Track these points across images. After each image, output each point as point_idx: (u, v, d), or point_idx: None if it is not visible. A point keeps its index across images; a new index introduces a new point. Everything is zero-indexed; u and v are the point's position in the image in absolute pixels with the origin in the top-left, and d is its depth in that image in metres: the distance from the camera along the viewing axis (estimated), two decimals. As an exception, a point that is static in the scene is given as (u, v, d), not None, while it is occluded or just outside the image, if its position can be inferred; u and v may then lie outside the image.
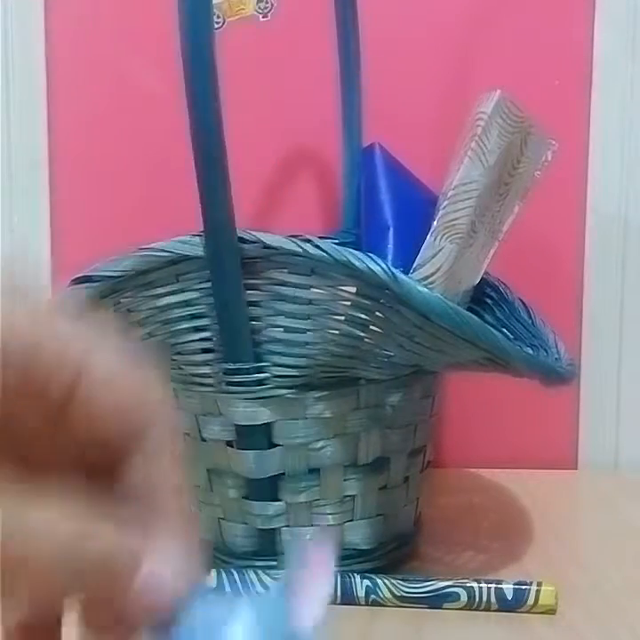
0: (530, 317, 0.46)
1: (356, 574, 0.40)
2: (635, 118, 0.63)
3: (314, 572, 0.21)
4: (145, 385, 0.21)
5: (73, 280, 0.40)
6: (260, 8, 0.62)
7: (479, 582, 0.39)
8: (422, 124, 0.61)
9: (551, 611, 0.39)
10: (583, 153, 0.63)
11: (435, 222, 0.39)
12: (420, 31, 0.63)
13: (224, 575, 0.41)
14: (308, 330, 0.38)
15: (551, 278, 0.63)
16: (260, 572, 0.40)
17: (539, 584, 0.39)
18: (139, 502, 0.21)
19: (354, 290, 0.37)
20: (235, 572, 0.41)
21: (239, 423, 0.40)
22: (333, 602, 0.38)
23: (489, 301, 0.48)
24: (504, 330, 0.45)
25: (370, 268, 0.36)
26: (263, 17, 0.62)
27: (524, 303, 0.47)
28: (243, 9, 0.62)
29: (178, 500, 0.21)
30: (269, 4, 0.62)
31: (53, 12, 0.64)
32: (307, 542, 0.28)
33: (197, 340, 0.40)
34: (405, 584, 0.40)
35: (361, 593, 0.40)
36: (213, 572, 0.41)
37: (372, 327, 0.38)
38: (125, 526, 0.20)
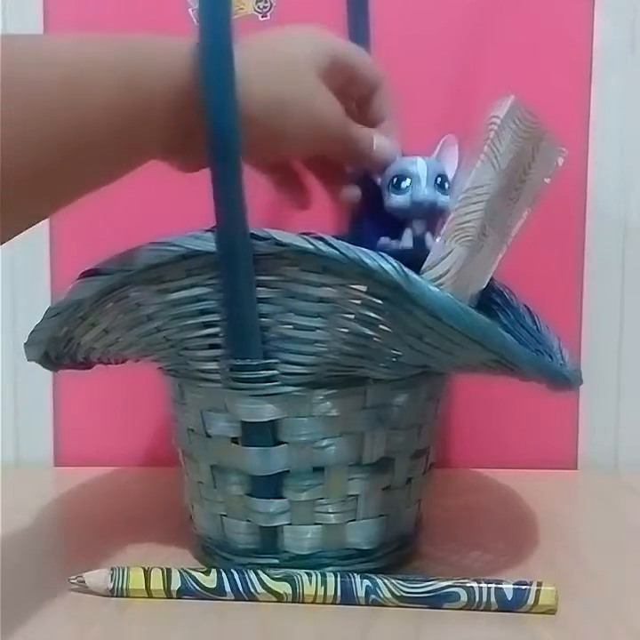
0: (535, 323, 0.46)
1: (355, 574, 0.40)
2: (635, 117, 0.63)
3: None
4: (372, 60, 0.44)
5: (82, 273, 0.40)
6: (259, 7, 0.63)
7: (479, 582, 0.39)
8: (424, 124, 0.62)
9: (551, 611, 0.39)
10: (583, 153, 0.63)
11: (445, 225, 0.39)
12: (421, 31, 0.63)
13: (224, 575, 0.40)
14: (318, 328, 0.38)
15: (551, 279, 0.63)
16: (260, 571, 0.40)
17: (539, 584, 0.39)
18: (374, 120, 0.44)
19: (365, 288, 0.37)
20: (235, 573, 0.40)
21: (245, 420, 0.41)
22: (333, 602, 0.39)
23: (494, 307, 0.48)
24: (509, 335, 0.46)
25: (382, 266, 0.36)
26: (262, 17, 0.63)
27: (528, 309, 0.47)
28: (242, 8, 0.62)
29: (394, 121, 0.44)
30: (269, 4, 0.62)
31: (53, 13, 0.64)
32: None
33: (206, 336, 0.40)
34: (405, 584, 0.40)
35: (361, 593, 0.40)
36: (213, 573, 0.40)
37: (381, 326, 0.38)
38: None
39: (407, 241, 0.42)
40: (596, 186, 0.64)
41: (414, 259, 0.40)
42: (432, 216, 0.42)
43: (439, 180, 0.41)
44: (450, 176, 0.42)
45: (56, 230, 0.65)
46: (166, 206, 0.62)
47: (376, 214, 0.43)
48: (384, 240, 0.43)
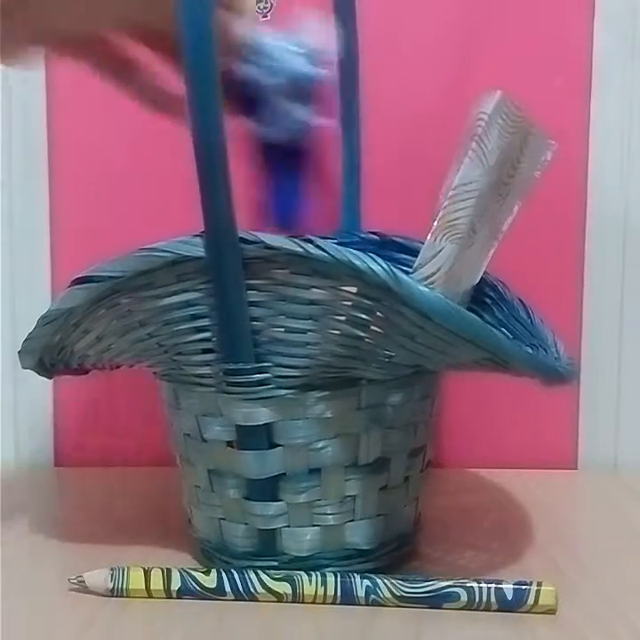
0: (529, 317, 0.46)
1: (355, 574, 0.40)
2: (635, 118, 0.63)
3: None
4: None
5: (73, 280, 0.40)
6: (259, 8, 0.62)
7: (479, 582, 0.39)
8: (422, 124, 0.61)
9: (551, 611, 0.39)
10: (583, 153, 0.63)
11: (435, 222, 0.39)
12: (420, 31, 0.63)
13: (224, 575, 0.41)
14: (309, 330, 0.38)
15: (551, 278, 0.63)
16: (260, 571, 0.40)
17: (539, 584, 0.39)
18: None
19: (355, 290, 0.37)
20: (235, 573, 0.41)
21: (240, 423, 0.41)
22: (333, 602, 0.39)
23: (488, 301, 0.48)
24: (503, 329, 0.45)
25: (371, 268, 0.36)
26: (263, 17, 0.62)
27: (522, 302, 0.47)
28: (242, 9, 0.62)
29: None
30: (269, 4, 0.62)
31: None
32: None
33: (198, 341, 0.40)
34: (405, 584, 0.40)
35: (361, 593, 0.40)
36: (213, 573, 0.41)
37: (373, 327, 0.38)
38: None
39: (282, 123, 0.40)
40: (597, 185, 0.63)
41: (300, 146, 0.39)
42: (304, 91, 0.40)
43: (302, 50, 0.40)
44: (311, 43, 0.41)
45: (56, 231, 0.65)
46: (168, 208, 0.62)
47: (233, 94, 0.40)
48: (244, 120, 0.41)
